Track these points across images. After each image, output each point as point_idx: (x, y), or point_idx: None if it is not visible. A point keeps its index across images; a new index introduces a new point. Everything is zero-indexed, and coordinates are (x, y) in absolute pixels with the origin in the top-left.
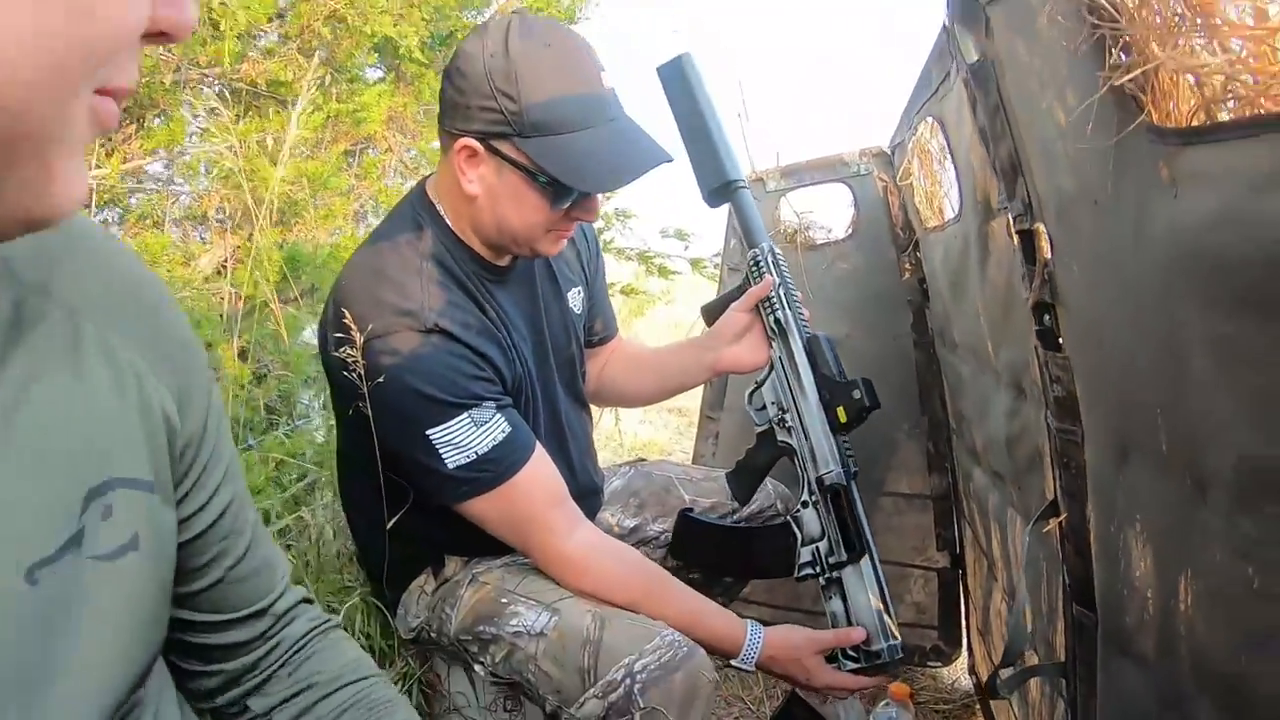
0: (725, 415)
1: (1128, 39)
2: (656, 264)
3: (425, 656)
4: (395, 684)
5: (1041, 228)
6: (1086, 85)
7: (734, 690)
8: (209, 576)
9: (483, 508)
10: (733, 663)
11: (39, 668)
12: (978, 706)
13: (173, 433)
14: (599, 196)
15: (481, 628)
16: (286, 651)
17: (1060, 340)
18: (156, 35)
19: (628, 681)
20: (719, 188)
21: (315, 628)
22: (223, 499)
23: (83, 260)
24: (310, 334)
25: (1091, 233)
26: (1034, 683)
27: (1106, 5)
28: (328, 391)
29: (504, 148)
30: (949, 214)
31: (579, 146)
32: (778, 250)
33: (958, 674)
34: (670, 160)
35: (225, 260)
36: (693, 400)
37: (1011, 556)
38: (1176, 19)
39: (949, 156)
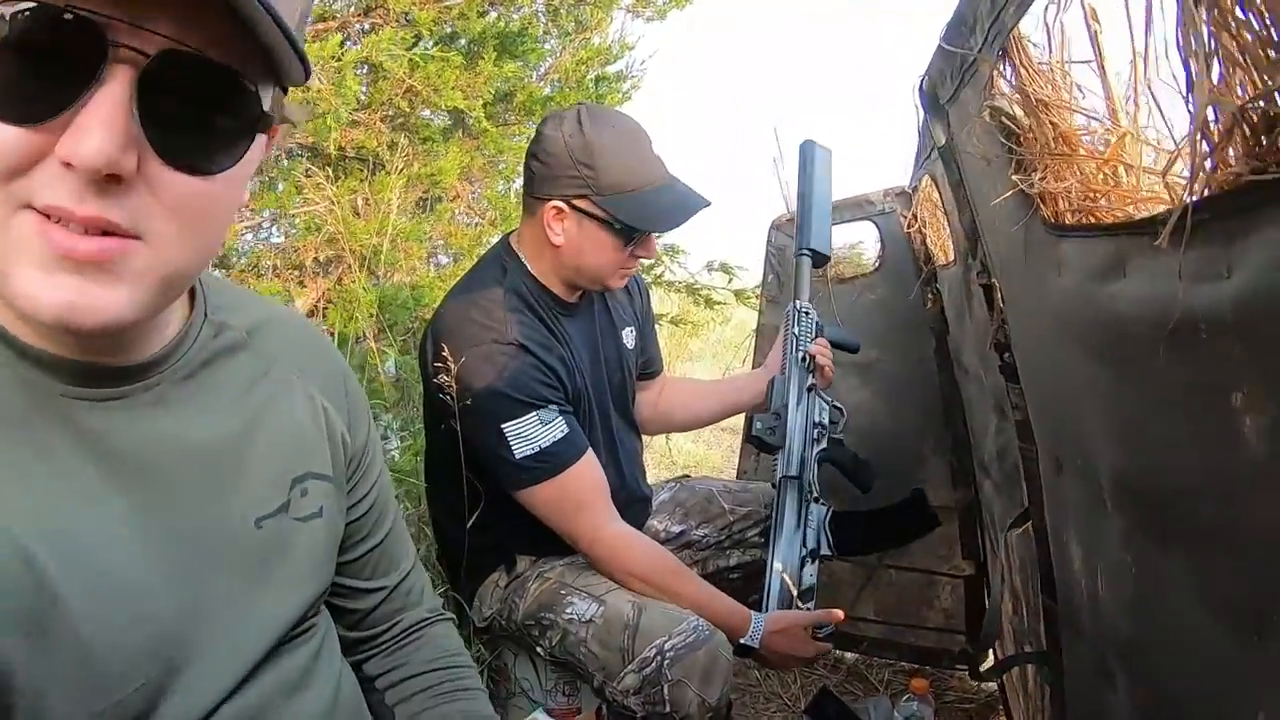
0: None
1: (1021, 159)
2: (703, 295)
3: (495, 646)
4: None
5: (997, 283)
6: (1002, 183)
7: (773, 688)
8: (359, 550)
9: (541, 495)
10: (742, 640)
11: (260, 576)
12: (1000, 706)
13: (345, 447)
14: (654, 237)
15: (543, 614)
16: (401, 632)
17: (1018, 374)
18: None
19: (659, 658)
20: (800, 248)
21: (429, 618)
22: (373, 497)
23: (296, 339)
24: (391, 364)
25: (1021, 288)
26: (1032, 675)
27: (1010, 125)
28: (405, 416)
29: (584, 205)
30: (952, 256)
31: (643, 199)
32: (806, 307)
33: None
34: (709, 205)
35: (318, 301)
36: (742, 421)
37: (1011, 560)
38: (1049, 147)
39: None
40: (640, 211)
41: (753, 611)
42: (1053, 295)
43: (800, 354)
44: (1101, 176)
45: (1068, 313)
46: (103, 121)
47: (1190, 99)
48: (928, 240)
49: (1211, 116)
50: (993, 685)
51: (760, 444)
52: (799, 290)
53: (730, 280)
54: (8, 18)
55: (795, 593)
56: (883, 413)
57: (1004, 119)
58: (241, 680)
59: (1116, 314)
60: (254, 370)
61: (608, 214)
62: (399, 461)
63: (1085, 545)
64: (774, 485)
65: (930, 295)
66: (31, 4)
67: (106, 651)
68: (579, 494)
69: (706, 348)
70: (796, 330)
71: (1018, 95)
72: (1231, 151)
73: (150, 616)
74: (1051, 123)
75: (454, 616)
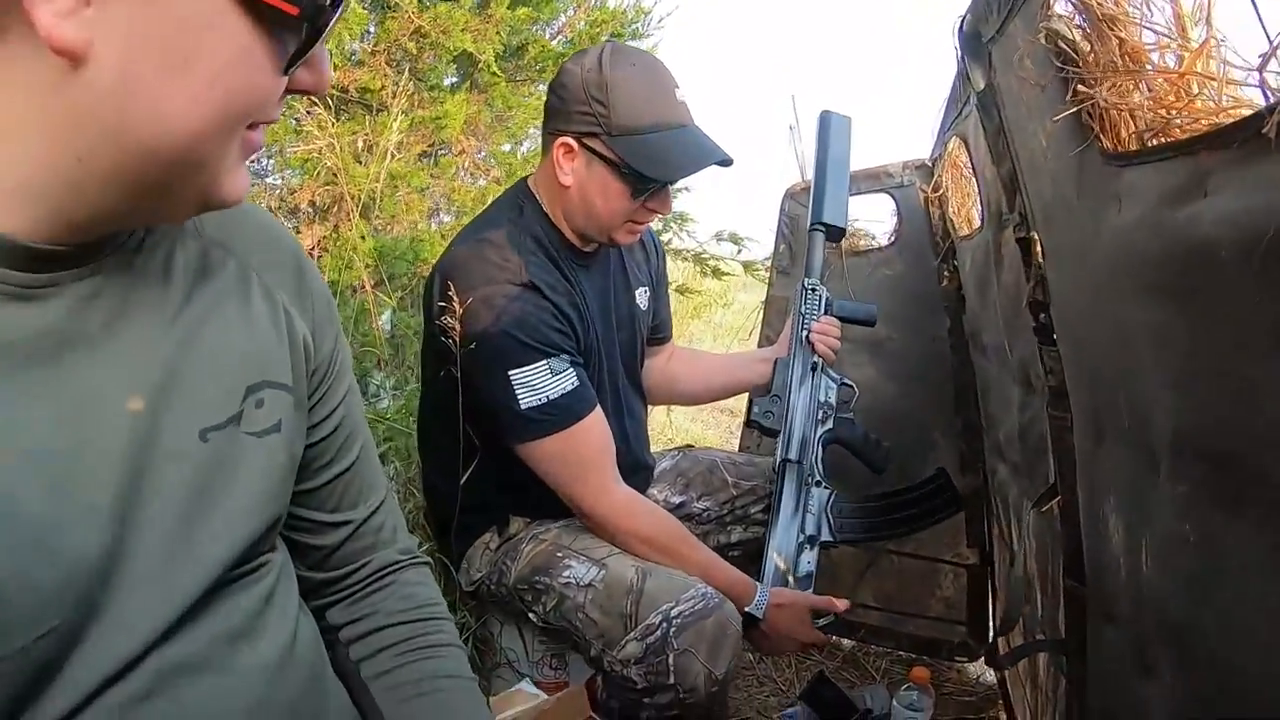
0: None
1: (1082, 79)
2: (711, 265)
3: (481, 612)
4: None
5: (1036, 235)
6: (1056, 111)
7: (766, 671)
8: (323, 477)
9: (545, 449)
10: (746, 609)
11: (200, 503)
12: (999, 699)
13: (309, 356)
14: (670, 193)
15: (537, 578)
16: (369, 576)
17: (1055, 335)
18: (300, 90)
19: (664, 625)
20: (813, 223)
21: (402, 560)
22: (339, 415)
23: (252, 228)
24: (386, 318)
25: (1065, 236)
26: (1042, 666)
27: (1067, 49)
28: (400, 374)
29: (595, 145)
30: (976, 224)
31: (656, 144)
32: (818, 286)
33: (982, 668)
34: (730, 161)
35: (314, 249)
36: (743, 402)
37: (1028, 545)
38: (1115, 64)
39: (973, 172)
40: (651, 156)
41: (757, 583)
42: (1108, 236)
43: (805, 333)
44: (1174, 95)
45: (1127, 252)
46: None
47: None
48: (948, 213)
49: None
50: (992, 676)
51: (760, 428)
52: (810, 267)
53: (739, 251)
54: None
55: (792, 580)
56: (891, 393)
57: (1061, 42)
58: (172, 626)
59: (1193, 241)
60: (204, 259)
61: (616, 155)
62: (392, 418)
63: (1128, 520)
64: (773, 470)
65: (947, 272)
66: None
67: (8, 592)
68: (585, 451)
69: (707, 329)
70: (804, 309)
71: (1077, 15)
72: None
73: (64, 549)
74: (1118, 38)
75: (429, 560)
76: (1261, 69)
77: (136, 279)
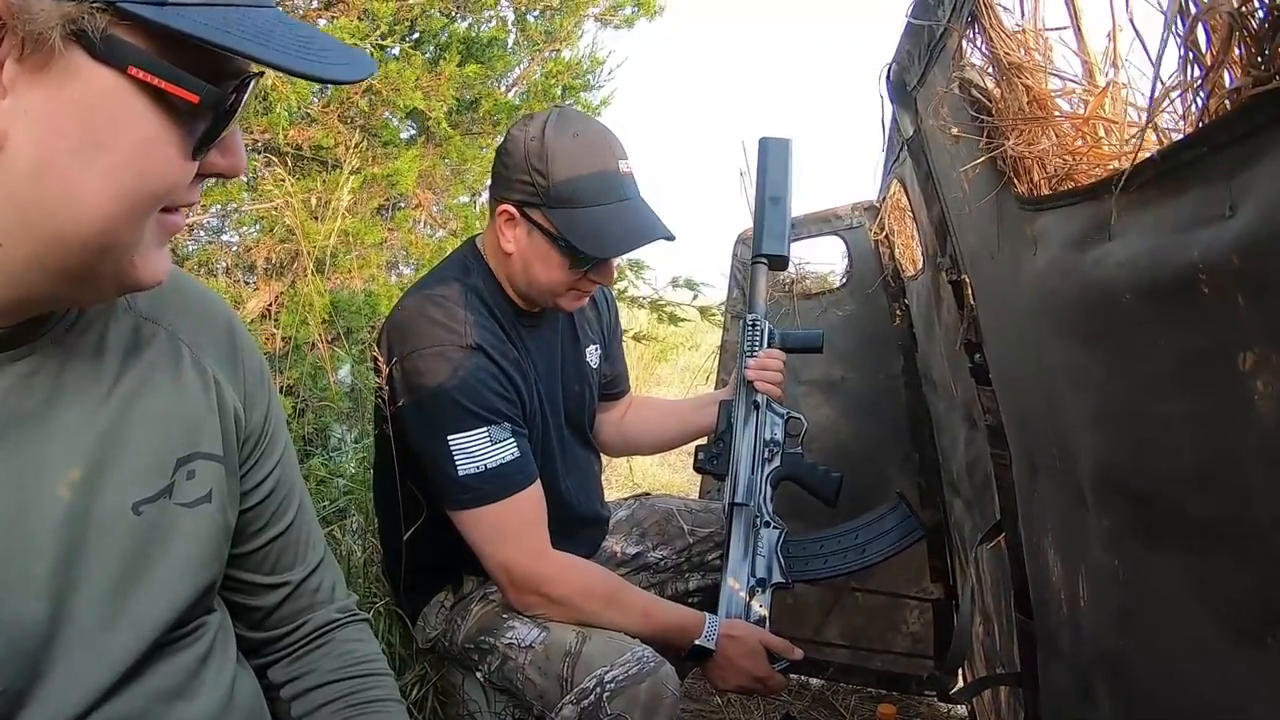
0: None
1: (995, 126)
2: (668, 312)
3: (442, 665)
4: (413, 689)
5: (967, 278)
6: (972, 159)
7: (734, 715)
8: (258, 540)
9: (477, 518)
10: (698, 642)
11: (134, 571)
12: None
13: (239, 424)
14: (614, 263)
15: (483, 638)
16: (308, 635)
17: (990, 375)
18: (215, 174)
19: (598, 689)
20: (755, 254)
21: (339, 619)
22: (272, 481)
23: (184, 300)
24: (346, 372)
25: (991, 279)
26: (1004, 699)
27: (980, 98)
28: (361, 427)
29: (534, 215)
30: (920, 264)
31: (595, 218)
32: (761, 323)
33: (951, 704)
34: (672, 238)
35: (270, 305)
36: None
37: (985, 579)
38: (1022, 111)
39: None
40: (587, 230)
41: (707, 613)
42: (1027, 279)
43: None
44: (1080, 140)
45: (1044, 294)
46: None
47: (1177, 21)
48: (896, 252)
49: (1203, 37)
50: (962, 709)
51: (707, 473)
52: (753, 302)
53: (695, 296)
54: None
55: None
56: (849, 432)
57: (974, 91)
58: (111, 688)
59: (1100, 283)
60: (136, 334)
61: (554, 228)
62: (353, 473)
63: (1064, 553)
64: (723, 514)
65: (899, 311)
66: None
67: None
68: (518, 524)
69: (674, 374)
70: (746, 346)
71: (988, 63)
72: (1226, 76)
73: (6, 617)
74: (1025, 86)
75: (369, 618)
76: (1152, 112)
77: (71, 357)
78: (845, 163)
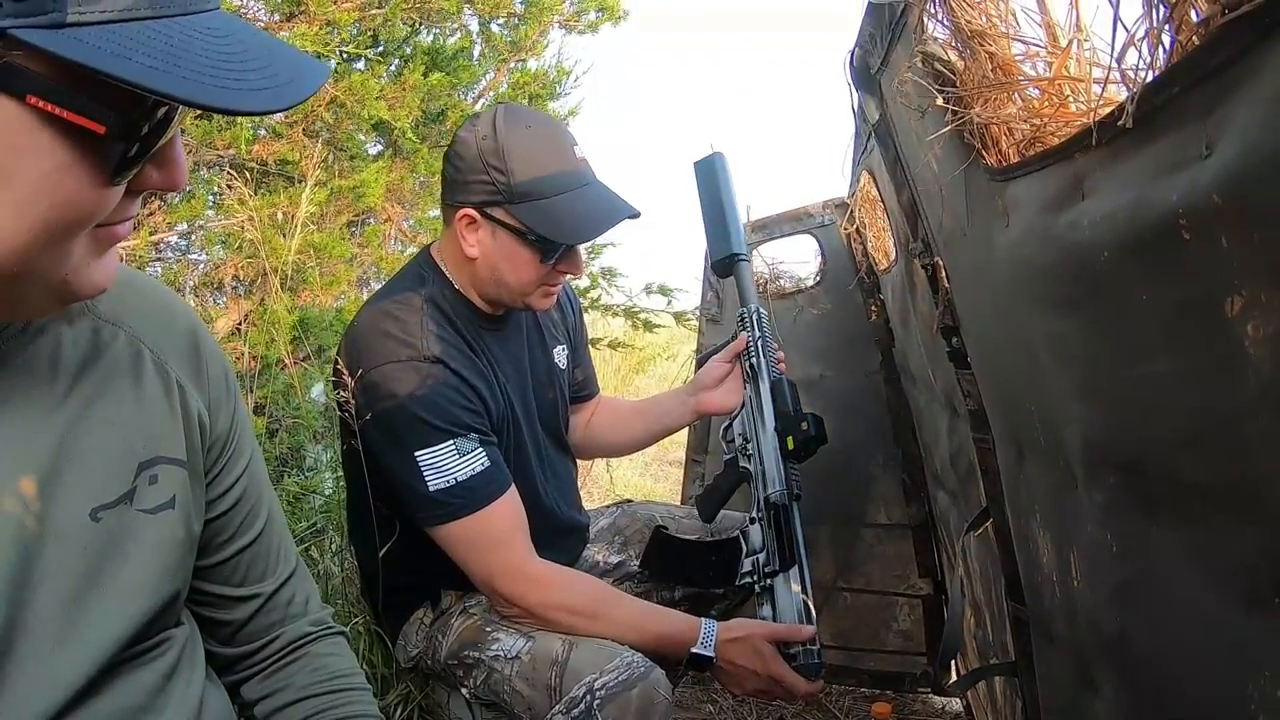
0: (709, 459)
1: (959, 98)
2: (642, 319)
3: (426, 683)
4: (396, 709)
5: (940, 260)
6: (938, 134)
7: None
8: (226, 551)
9: (454, 533)
10: (694, 650)
11: (91, 581)
12: None
13: (204, 430)
14: (581, 252)
15: (466, 653)
16: (281, 650)
17: (968, 358)
18: (152, 189)
19: (588, 698)
20: (725, 259)
21: (313, 633)
22: (239, 490)
23: (146, 304)
24: (319, 391)
25: (964, 257)
26: (1000, 689)
27: (943, 70)
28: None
29: (498, 214)
30: (893, 256)
31: (560, 207)
32: (763, 310)
33: (947, 698)
34: (638, 214)
35: (240, 323)
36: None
37: (973, 570)
38: (987, 79)
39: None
40: (555, 220)
41: (703, 618)
42: (1001, 252)
43: (770, 359)
44: (1047, 104)
45: (1020, 266)
46: None
47: None
48: (869, 247)
49: None
50: (958, 704)
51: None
52: (747, 296)
53: (669, 302)
54: None
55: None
56: (830, 430)
57: (937, 64)
58: (67, 705)
59: (1077, 246)
60: (95, 337)
61: (521, 224)
62: (329, 492)
63: (1054, 534)
64: (752, 518)
65: (874, 306)
66: None
67: None
68: (496, 533)
69: (652, 384)
70: (762, 333)
71: (951, 35)
72: (1193, 12)
73: None
74: (988, 53)
75: (344, 630)
76: (1119, 59)
77: (22, 365)
78: (818, 164)
